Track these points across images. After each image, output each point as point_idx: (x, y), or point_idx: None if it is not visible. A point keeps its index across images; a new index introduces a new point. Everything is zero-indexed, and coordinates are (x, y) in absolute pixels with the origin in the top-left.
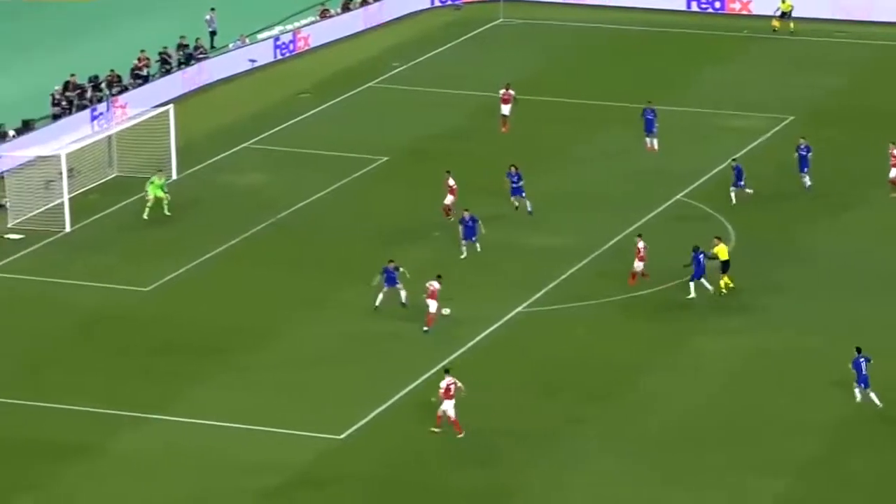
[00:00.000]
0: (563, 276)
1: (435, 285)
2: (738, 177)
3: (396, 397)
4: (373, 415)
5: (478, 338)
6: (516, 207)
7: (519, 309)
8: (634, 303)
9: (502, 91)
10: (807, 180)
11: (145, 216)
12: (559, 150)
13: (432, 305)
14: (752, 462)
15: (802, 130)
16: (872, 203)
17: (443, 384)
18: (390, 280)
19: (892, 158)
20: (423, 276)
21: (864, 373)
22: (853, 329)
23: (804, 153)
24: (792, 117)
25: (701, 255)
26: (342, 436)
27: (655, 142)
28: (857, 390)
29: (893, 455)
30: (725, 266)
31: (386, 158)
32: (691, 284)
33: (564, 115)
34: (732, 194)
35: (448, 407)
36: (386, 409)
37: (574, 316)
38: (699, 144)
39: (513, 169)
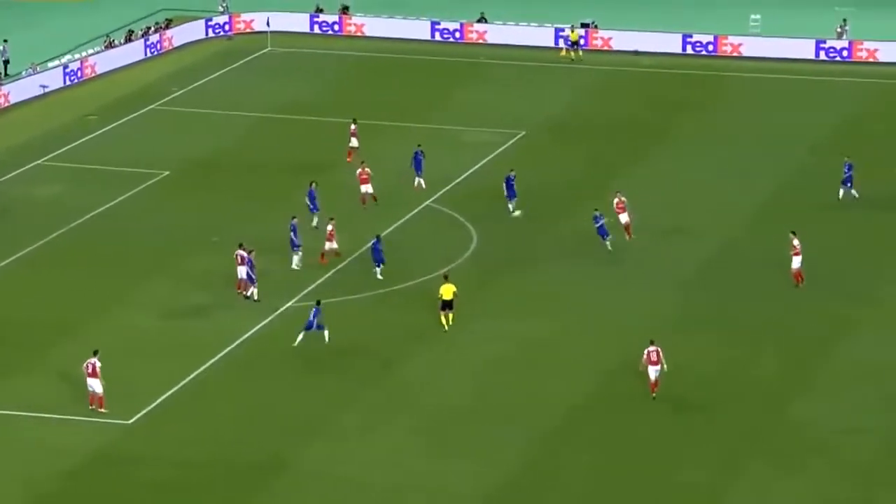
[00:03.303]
0: (329, 274)
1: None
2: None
3: (180, 384)
4: (159, 401)
5: (254, 328)
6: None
7: (289, 304)
8: (392, 296)
9: (352, 127)
10: (842, 193)
11: None
12: (327, 164)
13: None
14: (506, 433)
15: (535, 143)
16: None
17: (88, 363)
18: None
19: (618, 204)
20: (206, 280)
21: None
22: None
23: (848, 170)
24: (524, 132)
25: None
26: (130, 421)
27: (423, 182)
28: None
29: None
30: (447, 304)
31: (167, 172)
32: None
33: (329, 133)
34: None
35: (94, 385)
36: (170, 396)
37: (341, 309)
38: (446, 157)
39: (312, 185)
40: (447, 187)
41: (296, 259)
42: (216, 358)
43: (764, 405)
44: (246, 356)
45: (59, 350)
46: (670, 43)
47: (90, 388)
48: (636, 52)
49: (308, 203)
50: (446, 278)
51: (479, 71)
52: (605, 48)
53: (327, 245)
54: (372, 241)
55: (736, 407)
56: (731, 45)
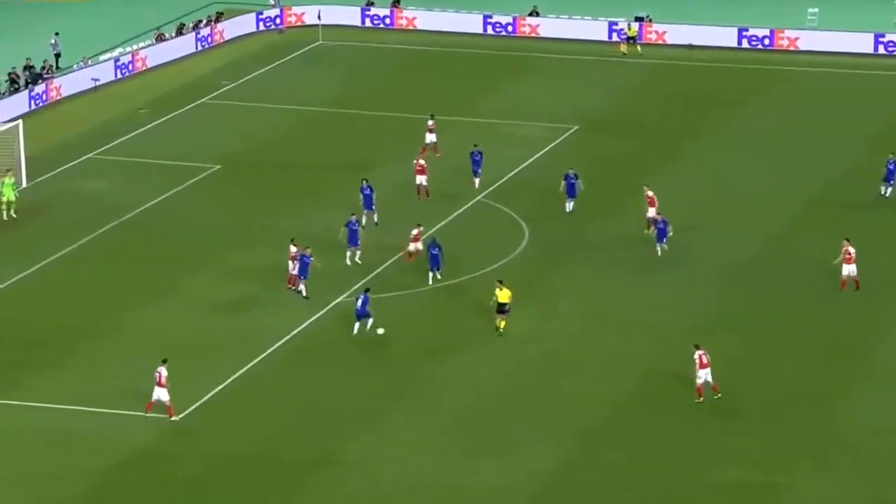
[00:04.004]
0: (384, 266)
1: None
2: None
3: (229, 380)
4: (207, 397)
5: (304, 324)
6: (371, 222)
7: (339, 299)
8: (452, 289)
9: (430, 122)
10: (886, 191)
11: (5, 217)
12: (378, 159)
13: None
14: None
15: (588, 137)
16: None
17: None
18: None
19: (647, 198)
20: (256, 275)
21: None
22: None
23: (892, 167)
24: (577, 126)
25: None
26: (178, 417)
27: (478, 181)
28: None
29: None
30: (502, 308)
31: (218, 167)
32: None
33: (379, 126)
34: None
35: (161, 394)
36: (219, 392)
37: (391, 304)
38: (498, 151)
39: (364, 183)
40: (499, 182)
41: (351, 255)
42: (265, 353)
43: (801, 405)
44: (294, 351)
45: (107, 345)
46: (726, 37)
47: (155, 397)
48: (691, 46)
49: (362, 200)
50: (501, 283)
51: (532, 65)
52: (660, 42)
53: (411, 246)
54: (428, 245)
55: (773, 406)
56: (788, 38)
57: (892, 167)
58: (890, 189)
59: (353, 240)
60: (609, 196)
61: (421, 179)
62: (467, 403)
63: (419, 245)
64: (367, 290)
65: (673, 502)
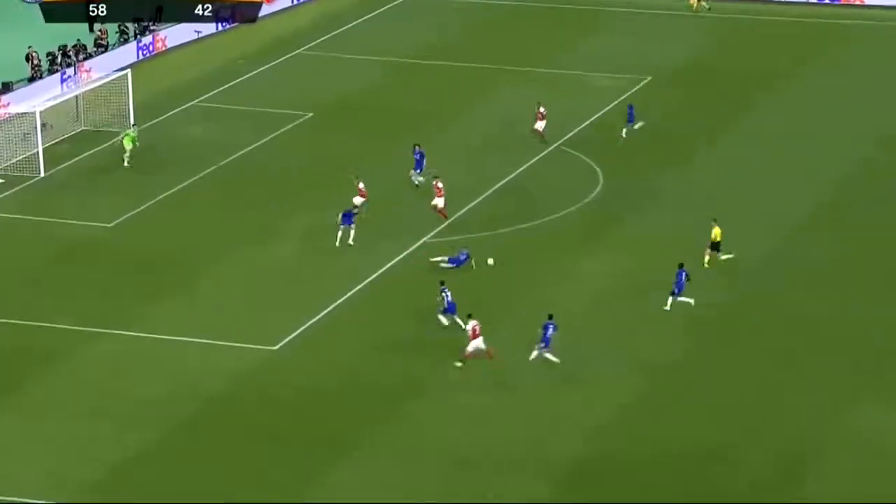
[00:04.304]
0: (463, 211)
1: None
2: None
3: (322, 313)
4: (302, 328)
5: (394, 261)
6: (416, 185)
7: (425, 239)
8: (524, 232)
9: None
10: None
11: (126, 164)
12: (462, 106)
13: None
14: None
15: (661, 88)
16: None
17: (468, 326)
18: (347, 219)
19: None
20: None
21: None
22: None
23: None
24: (649, 78)
25: (683, 273)
26: (276, 346)
27: (542, 125)
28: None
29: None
30: (716, 246)
31: (311, 114)
32: (669, 299)
33: (465, 76)
34: None
35: (478, 343)
36: (313, 324)
37: (473, 244)
38: (574, 100)
39: (416, 147)
40: (576, 129)
41: (343, 234)
42: (353, 291)
43: (823, 402)
44: (381, 288)
45: (205, 279)
46: None
47: (475, 348)
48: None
49: (415, 163)
50: (715, 221)
51: (607, 20)
52: None
53: (436, 201)
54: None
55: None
56: None
57: None
58: None
59: (347, 219)
60: (679, 143)
61: (540, 125)
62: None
63: (440, 201)
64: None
65: (754, 428)
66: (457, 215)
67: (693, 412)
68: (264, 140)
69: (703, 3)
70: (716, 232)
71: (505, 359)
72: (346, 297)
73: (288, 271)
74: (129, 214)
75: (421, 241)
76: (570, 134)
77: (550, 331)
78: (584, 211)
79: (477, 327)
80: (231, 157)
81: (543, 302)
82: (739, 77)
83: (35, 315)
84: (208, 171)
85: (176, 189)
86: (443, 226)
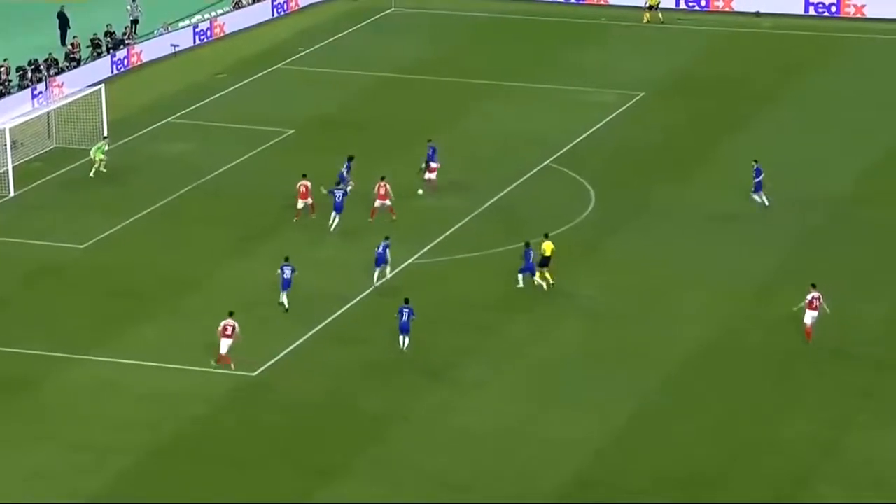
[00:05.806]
0: (449, 232)
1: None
2: None
3: (304, 338)
4: (283, 353)
5: (375, 285)
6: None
7: (411, 261)
8: (512, 254)
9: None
10: None
11: (92, 174)
12: (445, 123)
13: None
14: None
15: (652, 104)
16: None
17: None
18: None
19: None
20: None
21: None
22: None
23: None
24: (643, 93)
25: (530, 251)
26: (255, 373)
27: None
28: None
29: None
30: (545, 262)
31: (293, 131)
32: (520, 276)
33: (451, 91)
34: None
35: (224, 345)
36: (296, 348)
37: (459, 266)
38: (566, 117)
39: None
40: (567, 147)
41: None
42: (338, 313)
43: (868, 364)
44: (368, 310)
45: (182, 300)
46: (792, 4)
47: (223, 349)
48: (757, 14)
49: (342, 175)
50: (546, 237)
51: (600, 32)
52: (727, 9)
53: (377, 203)
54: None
55: (844, 364)
56: (855, 6)
57: None
58: None
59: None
60: (675, 160)
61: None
62: (543, 355)
63: (386, 202)
64: (386, 238)
65: (750, 454)
66: (445, 234)
67: (686, 436)
68: (244, 157)
69: (659, 15)
70: (546, 247)
71: (493, 381)
72: (329, 319)
73: (269, 293)
74: (103, 235)
75: (406, 263)
76: (562, 151)
77: (406, 316)
78: (575, 230)
79: (230, 327)
80: (209, 176)
81: (533, 323)
82: (735, 92)
83: (2, 340)
84: (185, 189)
85: (151, 209)
86: (427, 248)
